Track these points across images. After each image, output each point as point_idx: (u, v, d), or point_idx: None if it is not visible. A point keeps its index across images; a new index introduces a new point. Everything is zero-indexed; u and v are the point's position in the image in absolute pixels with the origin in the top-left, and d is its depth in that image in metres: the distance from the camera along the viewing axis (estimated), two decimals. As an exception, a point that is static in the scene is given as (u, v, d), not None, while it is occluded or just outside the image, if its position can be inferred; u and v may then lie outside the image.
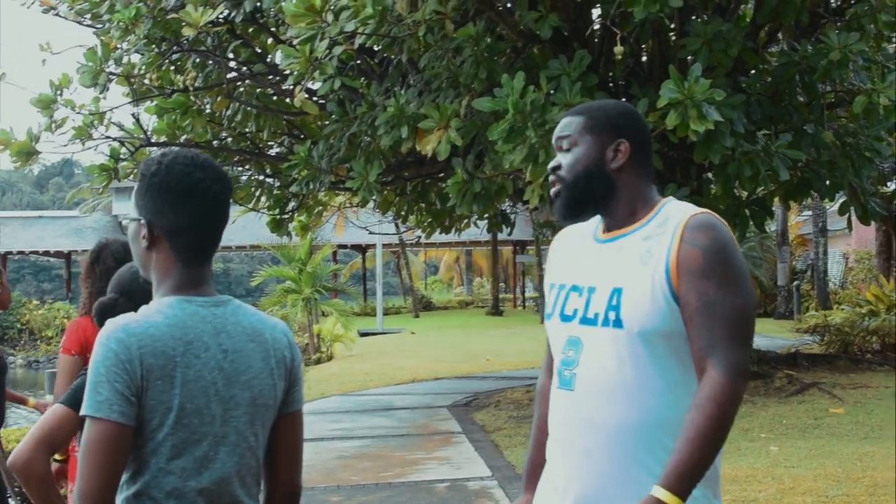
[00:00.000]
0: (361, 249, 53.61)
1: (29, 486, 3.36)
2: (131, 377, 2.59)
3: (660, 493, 2.72)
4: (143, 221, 2.77)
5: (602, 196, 3.10)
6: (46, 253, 52.17)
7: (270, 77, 14.71)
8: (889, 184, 14.24)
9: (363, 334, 32.45)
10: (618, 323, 2.92)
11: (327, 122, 13.64)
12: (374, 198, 13.16)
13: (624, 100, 12.35)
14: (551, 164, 3.16)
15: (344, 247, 50.66)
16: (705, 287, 2.86)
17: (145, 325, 2.64)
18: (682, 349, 2.90)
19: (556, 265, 3.28)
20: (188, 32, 11.63)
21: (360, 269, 55.61)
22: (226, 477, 2.75)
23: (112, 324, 2.64)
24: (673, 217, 3.00)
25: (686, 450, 2.75)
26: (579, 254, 3.17)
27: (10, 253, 49.29)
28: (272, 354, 2.85)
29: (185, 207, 2.78)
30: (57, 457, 5.78)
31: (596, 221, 3.19)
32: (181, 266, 2.79)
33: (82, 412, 2.58)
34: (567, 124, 3.18)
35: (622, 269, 2.97)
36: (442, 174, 14.83)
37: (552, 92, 10.98)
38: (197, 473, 2.70)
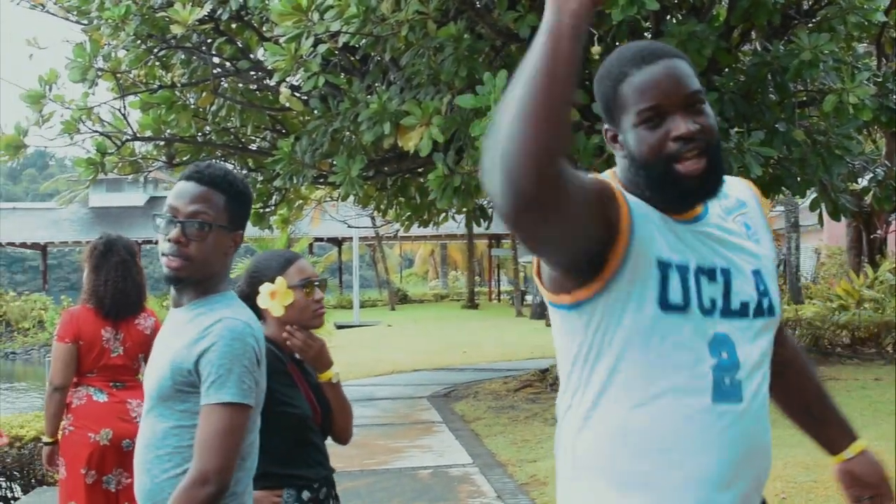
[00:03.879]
0: (337, 242, 53.82)
1: None
2: (260, 367, 2.97)
3: (863, 442, 2.71)
4: (242, 232, 3.11)
5: None
6: (24, 245, 52.02)
7: (254, 73, 14.92)
8: (859, 180, 14.47)
9: (339, 327, 32.58)
10: (771, 310, 2.41)
11: (310, 118, 13.82)
12: (355, 192, 13.34)
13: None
14: (692, 129, 2.31)
15: (320, 240, 50.83)
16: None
17: (254, 321, 3.02)
18: None
19: (653, 232, 2.30)
20: (177, 30, 11.83)
21: (336, 261, 55.74)
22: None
23: (238, 321, 2.97)
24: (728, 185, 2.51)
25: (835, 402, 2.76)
26: (669, 230, 2.33)
27: (-12, 244, 49.21)
28: None
29: None
30: (47, 439, 6.06)
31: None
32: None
33: (229, 399, 2.87)
34: (689, 76, 2.39)
35: (739, 248, 2.41)
36: (422, 169, 15.03)
37: (531, 90, 11.17)
38: (255, 447, 3.08)
